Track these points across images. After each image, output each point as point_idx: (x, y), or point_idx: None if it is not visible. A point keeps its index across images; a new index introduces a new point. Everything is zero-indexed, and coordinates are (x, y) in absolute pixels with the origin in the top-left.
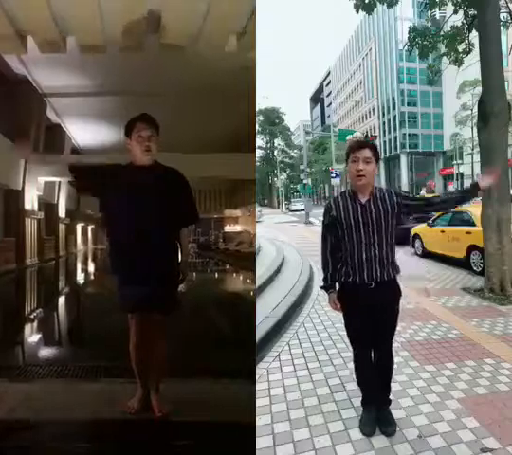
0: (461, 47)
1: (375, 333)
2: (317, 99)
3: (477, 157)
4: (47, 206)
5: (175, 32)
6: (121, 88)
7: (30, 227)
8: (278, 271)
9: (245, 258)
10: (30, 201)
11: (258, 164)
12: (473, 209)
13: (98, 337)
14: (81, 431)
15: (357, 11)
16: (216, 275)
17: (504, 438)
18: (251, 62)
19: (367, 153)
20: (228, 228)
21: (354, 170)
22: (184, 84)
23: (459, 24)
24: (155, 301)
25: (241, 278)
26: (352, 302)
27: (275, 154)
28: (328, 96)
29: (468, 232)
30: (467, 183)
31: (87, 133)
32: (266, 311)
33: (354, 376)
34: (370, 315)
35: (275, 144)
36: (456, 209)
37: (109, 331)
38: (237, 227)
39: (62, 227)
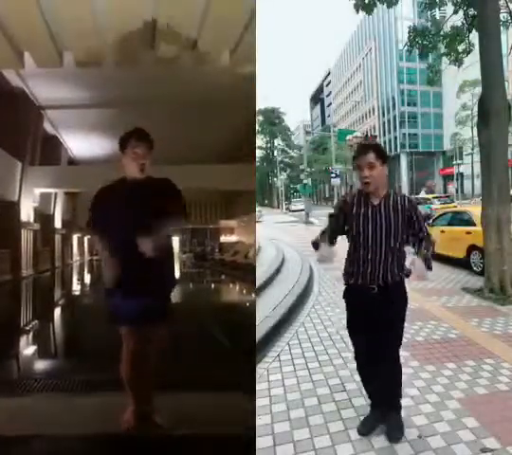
0: (461, 47)
1: (379, 338)
2: (317, 99)
3: (477, 157)
4: (43, 217)
5: (172, 44)
6: (118, 100)
7: (26, 238)
8: (278, 271)
9: (244, 268)
10: (26, 212)
11: (258, 164)
12: (473, 208)
13: (94, 350)
14: (77, 447)
15: (357, 11)
16: (218, 286)
17: (504, 438)
18: (251, 71)
19: (370, 158)
20: (228, 239)
21: (359, 176)
22: (182, 95)
23: (459, 24)
24: (154, 312)
25: (239, 288)
26: (355, 305)
27: (275, 154)
28: (328, 96)
29: (468, 232)
30: (467, 183)
31: (84, 144)
32: (266, 311)
33: (354, 377)
34: (374, 319)
35: (275, 144)
36: (456, 209)
37: (107, 343)
38: (238, 238)
39: (58, 238)
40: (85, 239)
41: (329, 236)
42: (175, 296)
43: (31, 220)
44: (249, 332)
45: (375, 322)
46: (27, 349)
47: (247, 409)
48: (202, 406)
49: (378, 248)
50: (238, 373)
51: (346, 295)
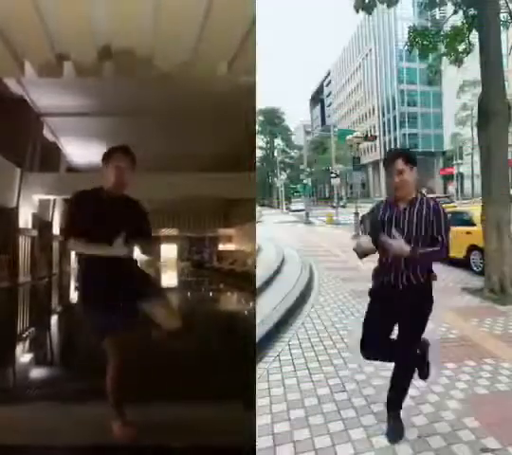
0: (461, 47)
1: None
2: (317, 99)
3: (477, 157)
4: (42, 223)
5: (172, 53)
6: (118, 108)
7: (24, 244)
8: (278, 271)
9: (243, 276)
10: (25, 219)
11: (258, 164)
12: (473, 208)
13: (92, 358)
14: None
15: (357, 11)
16: (215, 294)
17: (504, 438)
18: (251, 80)
19: (399, 164)
20: (227, 247)
21: (389, 182)
22: (182, 104)
23: (459, 24)
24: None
25: (238, 296)
26: (380, 304)
27: (275, 154)
28: (328, 96)
29: (468, 232)
30: (468, 183)
31: (82, 152)
32: (266, 311)
33: (355, 377)
34: (392, 318)
35: (275, 144)
36: (456, 209)
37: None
38: (237, 246)
39: (56, 245)
40: None
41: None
42: (174, 304)
43: (29, 226)
44: (249, 340)
45: (396, 320)
46: (24, 356)
47: (248, 415)
48: (202, 412)
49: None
50: (238, 381)
51: (373, 293)
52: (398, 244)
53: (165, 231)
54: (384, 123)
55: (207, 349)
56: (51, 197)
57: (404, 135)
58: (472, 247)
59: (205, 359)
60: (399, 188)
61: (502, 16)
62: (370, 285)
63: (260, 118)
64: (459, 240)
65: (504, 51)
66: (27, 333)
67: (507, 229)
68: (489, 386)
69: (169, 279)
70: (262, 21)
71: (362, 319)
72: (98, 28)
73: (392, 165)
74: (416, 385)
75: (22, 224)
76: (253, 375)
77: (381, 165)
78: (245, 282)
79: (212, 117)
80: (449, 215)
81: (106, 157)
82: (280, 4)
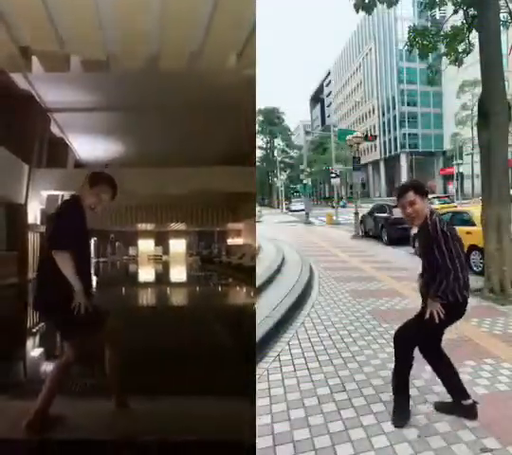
0: (461, 47)
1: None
2: (317, 99)
3: (477, 157)
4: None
5: (176, 51)
6: (123, 104)
7: (33, 240)
8: (278, 270)
9: (245, 270)
10: (33, 215)
11: (258, 164)
12: (473, 208)
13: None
14: (79, 451)
15: (357, 11)
16: (223, 288)
17: (504, 438)
18: (252, 75)
19: (410, 196)
20: (232, 241)
21: (403, 213)
22: (185, 98)
23: (459, 24)
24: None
25: (241, 290)
26: None
27: (275, 154)
28: (328, 96)
29: (468, 232)
30: (468, 183)
31: (90, 147)
32: (266, 311)
33: (354, 377)
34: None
35: (275, 144)
36: (456, 209)
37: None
38: (239, 241)
39: None
40: (92, 241)
41: None
42: (180, 299)
43: (38, 222)
44: (250, 335)
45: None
46: (34, 351)
47: (248, 413)
48: (202, 408)
49: (425, 272)
50: (238, 376)
51: None
52: (432, 310)
53: (173, 226)
54: (384, 123)
55: (212, 345)
56: (59, 193)
57: (404, 134)
58: (472, 247)
59: (206, 353)
60: (413, 218)
61: (502, 16)
62: (369, 285)
63: (260, 118)
64: None
65: (504, 51)
66: (36, 328)
67: (507, 229)
68: (489, 386)
69: (178, 273)
70: (262, 21)
71: (362, 320)
72: (104, 22)
73: (403, 197)
74: (416, 385)
75: (31, 220)
76: (253, 374)
77: (381, 165)
78: (252, 277)
79: (216, 113)
80: (450, 215)
81: (90, 181)
82: (280, 4)
